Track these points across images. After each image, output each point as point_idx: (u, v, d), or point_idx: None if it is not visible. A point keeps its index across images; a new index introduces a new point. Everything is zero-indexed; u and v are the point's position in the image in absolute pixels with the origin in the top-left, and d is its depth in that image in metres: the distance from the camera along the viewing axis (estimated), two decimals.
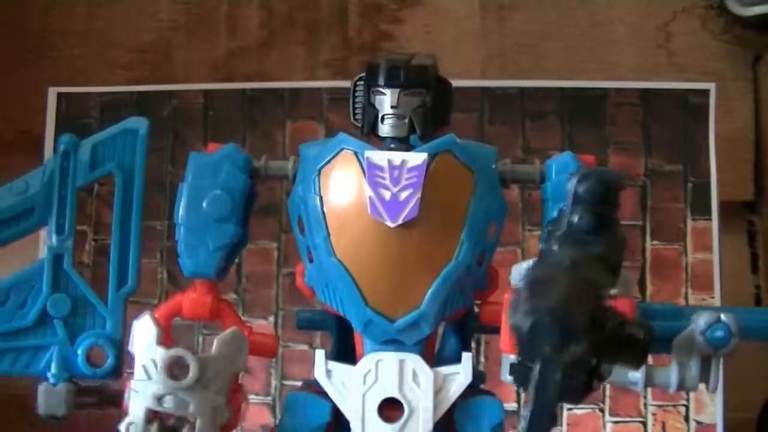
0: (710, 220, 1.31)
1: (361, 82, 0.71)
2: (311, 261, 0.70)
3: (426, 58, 0.72)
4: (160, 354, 0.67)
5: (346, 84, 1.48)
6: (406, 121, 0.69)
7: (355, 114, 0.71)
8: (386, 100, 0.69)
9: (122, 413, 0.68)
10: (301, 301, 0.89)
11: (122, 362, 0.73)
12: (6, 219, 0.73)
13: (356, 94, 0.71)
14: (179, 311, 0.72)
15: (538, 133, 1.34)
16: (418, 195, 0.66)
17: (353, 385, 0.68)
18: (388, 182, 0.67)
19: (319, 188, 0.69)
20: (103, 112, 1.40)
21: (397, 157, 0.67)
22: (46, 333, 0.72)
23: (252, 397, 1.34)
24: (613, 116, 1.35)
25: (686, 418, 1.30)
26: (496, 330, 0.69)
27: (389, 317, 0.68)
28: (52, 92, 1.40)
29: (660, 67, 1.40)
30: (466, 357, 0.68)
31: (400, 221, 0.66)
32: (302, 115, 1.38)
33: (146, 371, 0.67)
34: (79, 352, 0.72)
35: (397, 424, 0.67)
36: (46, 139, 1.39)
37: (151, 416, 0.67)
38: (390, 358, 0.68)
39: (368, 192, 0.67)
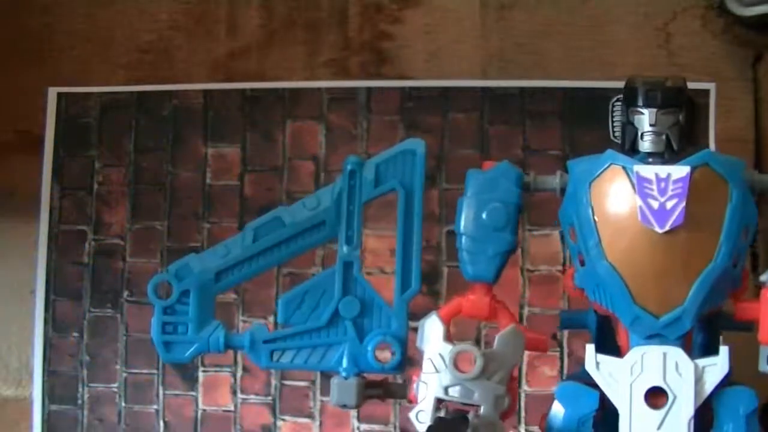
0: None
1: (619, 103, 0.79)
2: (582, 265, 0.78)
3: (677, 80, 0.79)
4: (448, 349, 0.74)
5: (346, 84, 1.49)
6: (664, 137, 0.77)
7: (614, 131, 0.80)
8: (645, 119, 0.77)
9: (411, 403, 0.76)
10: None
11: (406, 358, 0.80)
12: (301, 231, 0.81)
13: (614, 114, 0.80)
14: (459, 311, 0.81)
15: (538, 133, 1.34)
16: (683, 204, 0.74)
17: (621, 376, 0.75)
18: (656, 193, 0.74)
19: (591, 199, 0.77)
20: (103, 112, 1.40)
21: (663, 170, 0.75)
22: (337, 332, 0.81)
23: (252, 397, 1.34)
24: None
25: None
26: (745, 326, 0.79)
27: (654, 314, 0.75)
28: (52, 92, 1.40)
29: (660, 67, 1.40)
30: (724, 350, 0.75)
31: (667, 227, 0.74)
32: (302, 115, 1.38)
33: (434, 365, 0.75)
34: (369, 348, 0.80)
35: (662, 411, 0.74)
36: (46, 139, 1.39)
37: (438, 405, 0.74)
38: (654, 351, 0.75)
39: (638, 202, 0.75)
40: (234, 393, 1.33)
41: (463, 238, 0.80)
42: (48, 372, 1.36)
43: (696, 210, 0.74)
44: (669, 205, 0.74)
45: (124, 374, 1.35)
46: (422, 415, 0.74)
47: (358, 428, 1.31)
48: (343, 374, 0.80)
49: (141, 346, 1.34)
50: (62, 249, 1.38)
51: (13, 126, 1.44)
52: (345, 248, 0.82)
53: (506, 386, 0.75)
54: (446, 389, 0.74)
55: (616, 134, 0.80)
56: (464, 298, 0.81)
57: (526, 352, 0.81)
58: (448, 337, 0.76)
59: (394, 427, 1.30)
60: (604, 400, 0.76)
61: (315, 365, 0.82)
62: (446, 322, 0.78)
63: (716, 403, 0.75)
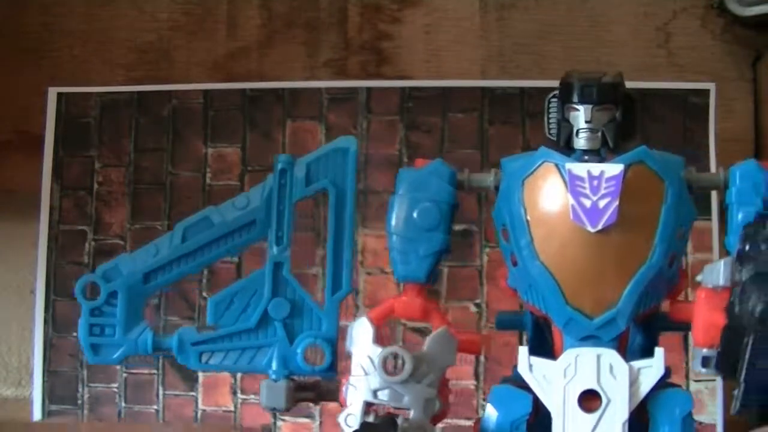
0: (710, 220, 1.31)
1: (555, 99, 0.77)
2: (515, 265, 0.76)
3: (614, 75, 0.77)
4: (377, 351, 0.72)
5: (346, 84, 1.49)
6: (599, 134, 0.75)
7: (549, 128, 0.78)
8: (580, 116, 0.75)
9: (342, 406, 0.74)
10: None
11: (337, 360, 0.78)
12: (231, 231, 0.79)
13: (550, 110, 0.78)
14: (391, 313, 0.78)
15: (538, 133, 1.33)
16: (616, 203, 0.72)
17: (554, 378, 0.73)
18: (588, 191, 0.72)
19: (523, 198, 0.75)
20: (103, 112, 1.40)
21: (596, 168, 0.73)
22: (267, 333, 0.79)
23: (252, 398, 1.34)
24: None
25: None
26: (682, 327, 0.77)
27: (588, 315, 0.73)
28: (52, 92, 1.40)
29: (660, 67, 1.40)
30: (659, 351, 0.73)
31: (600, 227, 0.72)
32: (302, 115, 1.38)
33: (363, 367, 0.73)
34: (299, 351, 0.78)
35: (596, 414, 0.72)
36: (46, 139, 1.39)
37: (368, 408, 0.72)
38: (588, 353, 0.73)
39: (570, 200, 0.72)
40: (234, 393, 1.33)
41: (394, 238, 0.77)
42: (48, 372, 1.36)
43: (630, 209, 0.72)
44: (602, 203, 0.72)
45: (124, 374, 1.35)
46: (351, 419, 0.72)
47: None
48: (273, 376, 0.78)
49: None
50: (62, 249, 1.38)
51: (13, 126, 1.44)
52: (275, 249, 0.79)
53: (437, 389, 0.73)
54: (375, 392, 0.72)
55: (552, 131, 0.77)
56: (396, 299, 0.78)
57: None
58: (378, 340, 0.74)
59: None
60: (538, 403, 0.74)
61: (244, 367, 0.80)
62: (377, 324, 0.75)
63: (652, 405, 0.73)
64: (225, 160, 1.38)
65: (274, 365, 0.78)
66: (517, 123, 1.35)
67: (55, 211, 1.38)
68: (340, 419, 0.73)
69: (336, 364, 0.78)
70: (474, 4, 1.43)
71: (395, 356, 0.71)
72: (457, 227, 1.33)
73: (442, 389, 0.73)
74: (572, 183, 0.72)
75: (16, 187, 1.42)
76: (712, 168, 1.31)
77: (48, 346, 1.36)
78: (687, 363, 1.28)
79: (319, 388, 0.79)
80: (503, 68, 1.42)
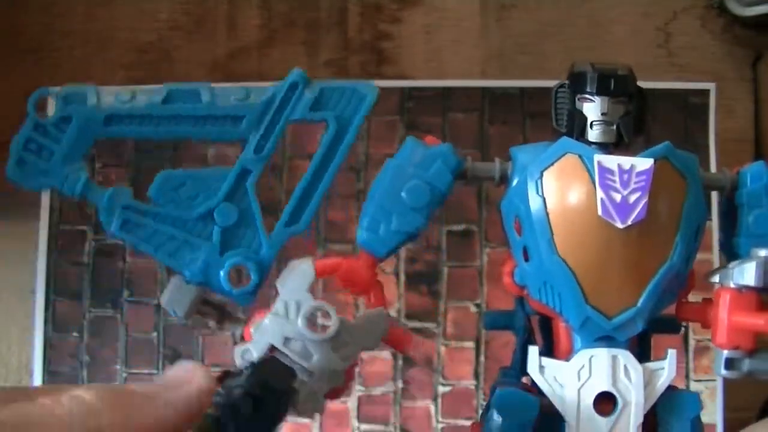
0: (710, 220, 1.30)
1: (563, 89, 0.75)
2: (527, 260, 0.72)
3: (626, 68, 0.75)
4: (307, 299, 0.66)
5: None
6: (614, 127, 0.72)
7: (557, 119, 0.75)
8: (595, 107, 0.73)
9: (243, 340, 0.68)
10: None
11: (258, 290, 0.72)
12: (215, 116, 0.72)
13: (558, 101, 0.75)
14: (335, 272, 0.72)
15: (538, 133, 1.33)
16: (646, 198, 0.69)
17: (567, 381, 0.70)
18: (618, 185, 0.69)
19: (543, 190, 0.71)
20: None
21: (626, 161, 0.70)
22: (202, 232, 0.71)
23: None
24: None
25: None
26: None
27: (606, 315, 0.70)
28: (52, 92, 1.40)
29: (660, 67, 1.41)
30: (672, 353, 0.71)
31: (629, 222, 0.68)
32: None
33: (287, 309, 0.66)
34: (225, 264, 0.71)
35: (611, 417, 0.69)
36: None
37: (270, 352, 0.66)
38: (603, 354, 0.70)
39: (600, 194, 0.69)
40: None
41: (373, 202, 0.73)
42: (48, 372, 1.36)
43: (656, 206, 0.69)
44: (631, 198, 0.68)
45: (124, 374, 1.35)
46: (249, 354, 0.66)
47: (358, 428, 1.31)
48: (187, 276, 0.70)
49: (141, 346, 1.34)
50: (62, 249, 1.38)
51: (13, 126, 1.44)
52: (251, 154, 0.72)
53: (347, 365, 0.67)
54: (286, 340, 0.65)
55: (560, 122, 0.74)
56: (346, 260, 0.73)
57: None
58: (312, 291, 0.68)
59: (395, 428, 1.30)
60: (542, 404, 0.70)
61: (164, 257, 0.71)
62: (317, 275, 0.69)
63: (661, 407, 0.70)
64: (225, 161, 1.38)
65: (193, 267, 0.71)
66: (517, 123, 1.35)
67: (55, 211, 1.38)
68: (237, 351, 0.66)
69: (255, 294, 0.71)
70: (474, 4, 1.43)
71: (324, 314, 0.65)
72: (457, 227, 1.34)
73: (349, 368, 0.69)
74: (602, 176, 0.69)
75: (16, 187, 1.42)
76: (713, 168, 1.31)
77: (48, 346, 1.36)
78: (687, 363, 1.28)
79: (222, 310, 0.74)
80: (503, 68, 1.42)
